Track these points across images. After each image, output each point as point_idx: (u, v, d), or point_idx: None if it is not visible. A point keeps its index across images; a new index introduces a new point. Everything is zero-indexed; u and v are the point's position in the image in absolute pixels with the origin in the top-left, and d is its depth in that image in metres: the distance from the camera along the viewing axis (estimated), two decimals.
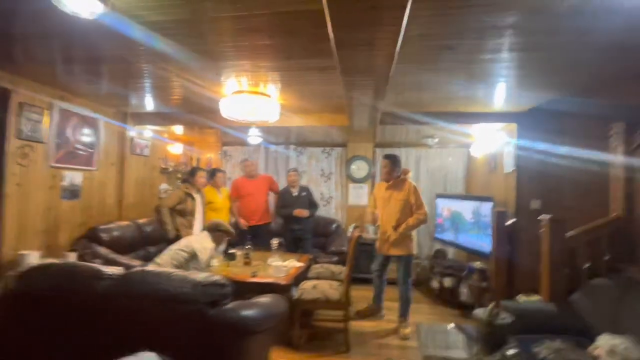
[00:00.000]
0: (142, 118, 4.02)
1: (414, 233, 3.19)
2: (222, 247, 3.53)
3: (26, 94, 2.78)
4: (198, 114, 3.85)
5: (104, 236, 3.29)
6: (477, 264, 3.56)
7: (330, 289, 2.87)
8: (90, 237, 3.22)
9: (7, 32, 1.97)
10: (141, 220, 3.88)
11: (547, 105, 3.08)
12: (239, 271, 2.96)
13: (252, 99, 2.92)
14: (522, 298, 2.46)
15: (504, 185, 3.64)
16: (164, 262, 2.49)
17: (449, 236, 4.38)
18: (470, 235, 3.95)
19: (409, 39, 1.84)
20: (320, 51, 1.93)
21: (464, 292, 3.67)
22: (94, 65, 2.53)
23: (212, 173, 3.67)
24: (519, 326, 2.14)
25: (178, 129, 4.77)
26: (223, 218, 3.60)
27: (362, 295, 4.12)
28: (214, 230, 2.79)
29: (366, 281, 4.54)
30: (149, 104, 3.64)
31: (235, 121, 3.12)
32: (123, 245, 3.42)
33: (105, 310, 1.57)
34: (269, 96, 3.05)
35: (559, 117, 3.06)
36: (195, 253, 2.53)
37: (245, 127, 4.31)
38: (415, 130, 4.46)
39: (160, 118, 4.08)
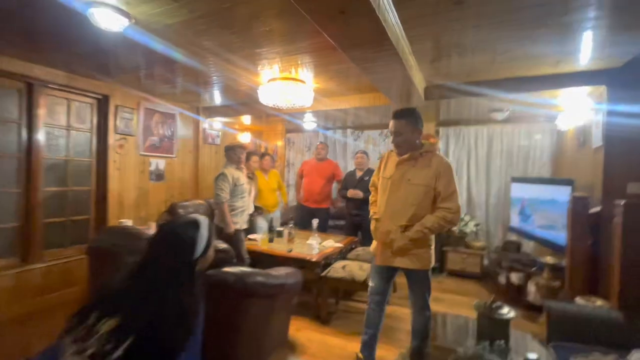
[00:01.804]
0: (212, 111, 4.62)
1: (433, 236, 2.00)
2: (261, 217, 3.84)
3: (120, 98, 3.56)
4: (257, 105, 4.21)
5: (181, 211, 3.99)
6: (548, 259, 2.98)
7: (359, 270, 2.87)
8: (170, 211, 3.95)
9: (96, 50, 2.57)
10: (213, 200, 4.53)
11: None
12: (279, 247, 3.22)
13: (285, 85, 3.06)
14: (579, 301, 1.99)
15: (591, 165, 2.91)
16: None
17: (525, 226, 3.74)
18: (550, 226, 3.30)
19: None
20: (313, 30, 1.91)
21: (532, 291, 3.12)
22: (165, 69, 3.04)
23: (261, 157, 4.00)
24: (560, 332, 1.79)
25: (246, 120, 5.30)
26: (265, 199, 3.94)
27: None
28: (226, 152, 3.25)
29: None
30: (217, 98, 4.16)
31: (275, 108, 3.32)
32: None
33: None
34: (303, 82, 3.15)
35: None
36: (218, 177, 3.05)
37: (301, 113, 4.51)
38: (485, 103, 3.89)
39: (227, 110, 4.61)
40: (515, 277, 3.42)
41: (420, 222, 1.89)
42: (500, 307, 1.42)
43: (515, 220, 3.93)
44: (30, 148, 2.96)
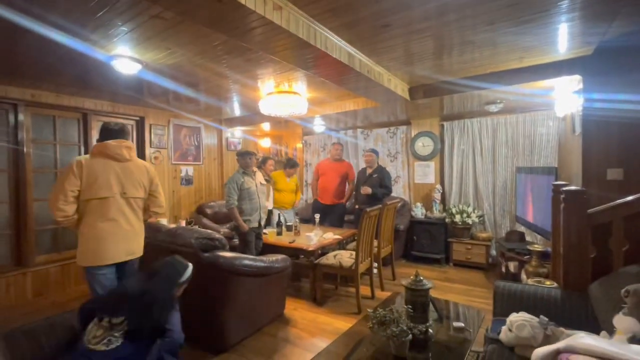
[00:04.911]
0: (233, 121, 5.23)
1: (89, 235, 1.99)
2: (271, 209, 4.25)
3: (153, 118, 4.28)
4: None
5: (208, 211, 4.65)
6: (535, 247, 3.05)
7: (348, 258, 3.21)
8: (198, 211, 4.63)
9: (131, 83, 3.24)
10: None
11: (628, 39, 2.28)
12: (284, 238, 3.67)
13: (281, 97, 3.49)
14: (530, 281, 2.14)
15: (576, 152, 2.93)
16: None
17: (526, 216, 3.77)
18: (543, 215, 3.33)
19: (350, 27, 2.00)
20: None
21: (524, 279, 3.20)
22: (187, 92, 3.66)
23: (264, 161, 4.32)
24: (504, 308, 2.00)
25: (266, 126, 5.84)
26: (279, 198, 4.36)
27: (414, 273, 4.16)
28: (237, 158, 3.65)
29: (428, 260, 4.49)
30: (236, 110, 4.73)
31: (276, 117, 3.78)
32: (221, 218, 4.72)
33: (161, 251, 2.55)
34: (297, 93, 3.56)
35: None
36: (226, 184, 3.47)
37: (311, 117, 4.90)
38: (478, 97, 3.96)
39: (246, 119, 5.17)
40: (512, 266, 3.50)
41: None
42: (421, 281, 1.70)
43: (519, 210, 3.95)
44: None
